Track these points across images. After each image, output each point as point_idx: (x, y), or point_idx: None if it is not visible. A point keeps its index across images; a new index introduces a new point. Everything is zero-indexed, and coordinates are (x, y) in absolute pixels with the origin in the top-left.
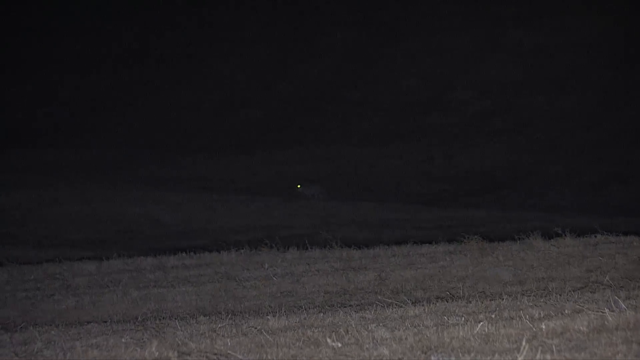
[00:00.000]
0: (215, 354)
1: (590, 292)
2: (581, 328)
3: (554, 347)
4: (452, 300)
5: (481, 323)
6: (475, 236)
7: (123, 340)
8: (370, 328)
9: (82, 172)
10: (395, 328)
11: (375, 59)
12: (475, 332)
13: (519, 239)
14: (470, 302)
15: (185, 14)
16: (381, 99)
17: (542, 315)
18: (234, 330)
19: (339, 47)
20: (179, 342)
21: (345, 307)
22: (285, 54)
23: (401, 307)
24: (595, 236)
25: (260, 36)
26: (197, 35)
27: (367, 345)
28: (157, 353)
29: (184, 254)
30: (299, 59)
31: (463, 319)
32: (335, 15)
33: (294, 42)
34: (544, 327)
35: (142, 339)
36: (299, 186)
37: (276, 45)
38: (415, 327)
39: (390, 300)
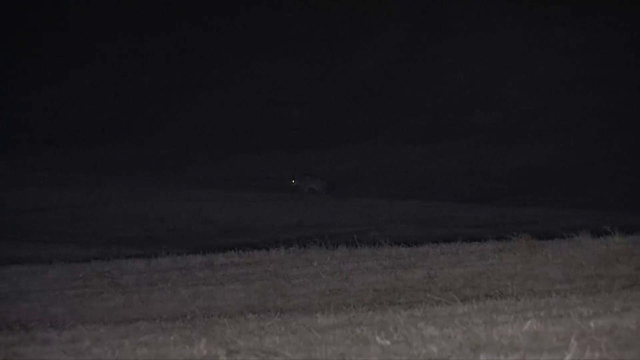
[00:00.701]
0: (264, 352)
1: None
2: (630, 326)
3: (602, 345)
4: (501, 298)
5: (530, 321)
6: (524, 234)
7: (171, 338)
8: (419, 326)
9: (132, 171)
10: (444, 326)
11: (424, 57)
12: (524, 330)
13: (568, 236)
14: (519, 300)
15: (233, 13)
16: (430, 97)
17: (590, 313)
18: (283, 328)
19: (388, 45)
20: (228, 340)
21: (394, 305)
22: (333, 52)
23: (450, 305)
24: None
25: (308, 34)
26: (246, 34)
27: (416, 343)
28: (206, 351)
29: (233, 252)
30: (348, 57)
31: (512, 317)
32: (384, 13)
33: (343, 40)
34: (592, 325)
35: (191, 337)
36: (293, 181)
37: (325, 43)
38: (464, 325)
39: (439, 298)
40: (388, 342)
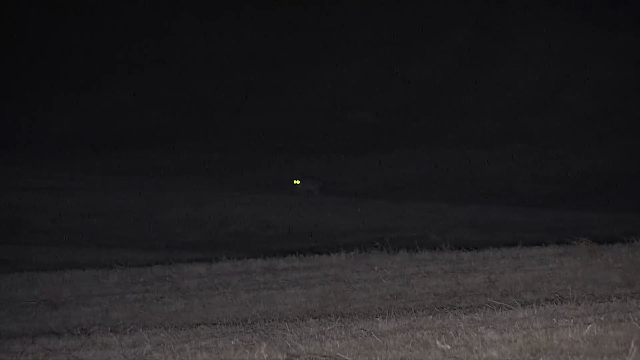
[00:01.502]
0: (324, 356)
1: None
2: None
3: None
4: (561, 303)
5: (590, 325)
6: (585, 238)
7: (232, 342)
8: (479, 330)
9: (193, 175)
10: (504, 330)
11: (485, 61)
12: (584, 334)
13: (629, 241)
14: (579, 304)
15: (297, 16)
16: (492, 101)
17: None
18: (343, 333)
19: (451, 49)
20: (288, 344)
21: (454, 309)
22: (397, 56)
23: (510, 309)
24: None
25: (372, 38)
26: (309, 38)
27: (476, 348)
28: (266, 355)
29: (293, 256)
30: (411, 61)
31: (572, 321)
32: (448, 18)
33: (405, 44)
34: None
35: (252, 341)
36: (296, 182)
37: (388, 48)
38: (524, 329)
39: (499, 303)
40: (448, 346)
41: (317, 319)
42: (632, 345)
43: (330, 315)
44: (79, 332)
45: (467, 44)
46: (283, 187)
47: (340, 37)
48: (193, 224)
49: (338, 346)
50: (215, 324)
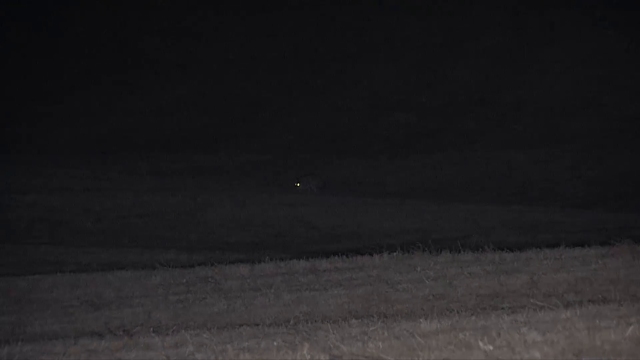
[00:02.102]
0: (367, 357)
1: None
2: None
3: None
4: (604, 304)
5: (632, 326)
6: (628, 239)
7: (275, 343)
8: (522, 331)
9: (236, 176)
10: (547, 331)
11: (527, 62)
12: (627, 335)
13: None
14: (621, 305)
15: (339, 17)
16: (533, 102)
17: None
18: (386, 334)
19: (491, 51)
20: (331, 345)
21: (497, 310)
22: (438, 57)
23: (553, 310)
24: None
25: (414, 39)
26: (350, 39)
27: (519, 349)
28: (309, 356)
29: (336, 257)
30: (452, 63)
31: (614, 322)
32: (488, 19)
33: (445, 45)
34: None
35: (294, 342)
36: (297, 184)
37: (430, 49)
38: (566, 330)
39: (542, 304)
40: (491, 347)
41: (360, 320)
42: None
43: (372, 316)
44: (121, 333)
45: (508, 46)
46: (325, 188)
47: (382, 38)
48: (236, 225)
49: (380, 347)
50: (257, 325)
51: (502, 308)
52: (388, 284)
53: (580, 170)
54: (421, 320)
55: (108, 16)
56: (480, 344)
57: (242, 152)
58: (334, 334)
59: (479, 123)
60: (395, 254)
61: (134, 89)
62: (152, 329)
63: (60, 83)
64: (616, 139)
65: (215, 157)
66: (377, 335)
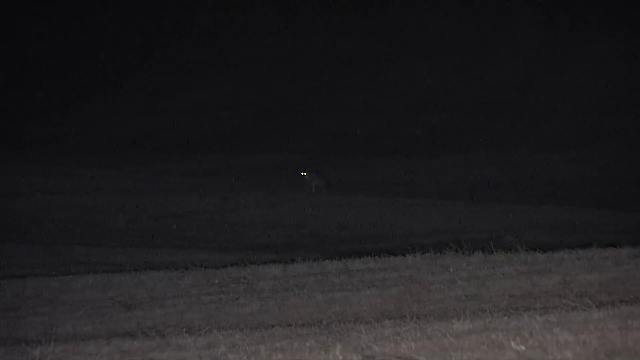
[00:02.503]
0: (399, 358)
1: None
2: None
3: None
4: (636, 304)
5: None
6: None
7: (307, 344)
8: (554, 331)
9: (268, 176)
10: (579, 331)
11: (561, 62)
12: None
13: None
14: None
15: (371, 18)
16: (567, 102)
17: None
18: (419, 334)
19: (526, 51)
20: (363, 345)
21: (529, 310)
22: (472, 57)
23: (585, 310)
24: None
25: (447, 40)
26: (384, 38)
27: (551, 349)
28: (341, 357)
29: (369, 258)
30: (486, 63)
31: None
32: (522, 19)
33: (481, 46)
34: None
35: (327, 342)
36: (303, 173)
37: (464, 49)
38: (599, 330)
39: (574, 304)
40: (523, 348)
41: (392, 320)
42: None
43: (405, 317)
44: (153, 333)
45: (542, 46)
46: (358, 188)
47: (415, 39)
48: (268, 225)
49: (413, 347)
50: (290, 326)
51: (535, 308)
52: (421, 284)
53: (614, 170)
54: (453, 320)
55: (142, 17)
56: (513, 344)
57: (275, 152)
58: (366, 334)
59: (512, 123)
60: (427, 254)
61: (167, 90)
62: (184, 330)
63: (93, 83)
64: None
65: (248, 158)
66: (410, 335)
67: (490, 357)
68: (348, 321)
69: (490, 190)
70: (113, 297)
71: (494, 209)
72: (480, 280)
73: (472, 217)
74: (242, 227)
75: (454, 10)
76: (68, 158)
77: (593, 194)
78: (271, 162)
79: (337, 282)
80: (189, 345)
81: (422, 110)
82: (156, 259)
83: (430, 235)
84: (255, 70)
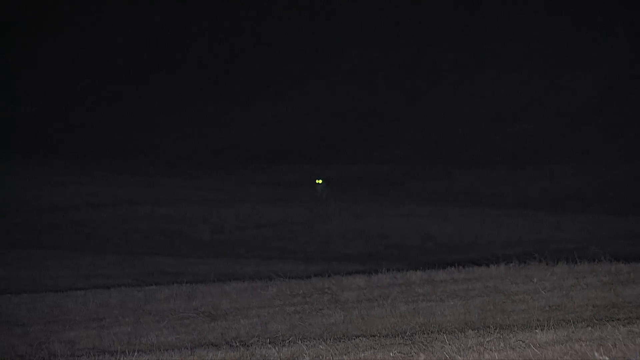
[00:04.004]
0: None
1: None
2: None
3: None
4: None
5: None
6: None
7: (391, 354)
8: (637, 342)
9: (352, 187)
10: None
11: None
12: None
13: None
14: None
15: (457, 27)
16: None
17: None
18: (502, 344)
19: (611, 60)
20: (447, 355)
21: (613, 320)
22: (557, 67)
23: None
24: None
25: (532, 49)
26: (469, 49)
27: (635, 359)
28: None
29: (452, 268)
30: (571, 73)
31: None
32: (607, 28)
33: (566, 55)
34: None
35: (410, 353)
36: (319, 181)
37: (548, 59)
38: None
39: None
40: (607, 358)
41: (476, 331)
42: None
43: (489, 327)
44: (237, 344)
45: (627, 55)
46: (442, 199)
47: (499, 49)
48: (352, 236)
49: (497, 358)
50: (374, 336)
51: (618, 319)
52: (504, 294)
53: None
54: (537, 331)
55: (228, 30)
56: (596, 354)
57: (360, 163)
58: (450, 344)
59: (597, 133)
60: (511, 264)
61: (252, 101)
62: (268, 340)
63: (179, 95)
64: None
65: (332, 168)
66: (493, 346)
67: None
68: (432, 332)
69: (575, 200)
70: (197, 307)
71: (578, 219)
72: (564, 291)
73: (557, 227)
74: (326, 238)
75: (539, 21)
76: (153, 168)
77: None
78: (355, 172)
79: (421, 293)
80: (272, 355)
81: (507, 120)
82: (240, 269)
83: (514, 246)
84: (340, 81)
